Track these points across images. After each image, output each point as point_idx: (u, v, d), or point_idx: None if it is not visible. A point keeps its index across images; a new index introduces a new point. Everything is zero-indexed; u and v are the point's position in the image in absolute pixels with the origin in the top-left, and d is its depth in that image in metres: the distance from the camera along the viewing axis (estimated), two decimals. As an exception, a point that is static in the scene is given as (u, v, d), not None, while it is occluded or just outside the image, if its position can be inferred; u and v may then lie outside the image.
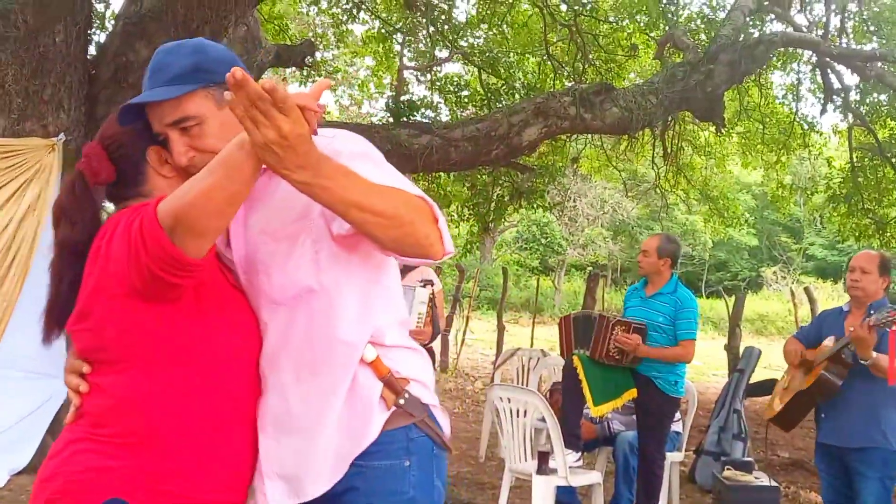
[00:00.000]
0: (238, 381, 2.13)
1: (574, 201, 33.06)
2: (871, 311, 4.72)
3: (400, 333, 2.19)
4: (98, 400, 2.07)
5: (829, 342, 4.93)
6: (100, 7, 10.50)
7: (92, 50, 7.12)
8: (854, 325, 4.65)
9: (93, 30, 7.59)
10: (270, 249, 2.09)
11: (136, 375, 2.04)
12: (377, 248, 1.99)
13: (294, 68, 11.81)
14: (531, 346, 14.44)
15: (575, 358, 6.08)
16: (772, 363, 18.62)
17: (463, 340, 16.54)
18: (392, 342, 2.15)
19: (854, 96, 13.20)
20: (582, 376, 5.96)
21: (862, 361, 4.65)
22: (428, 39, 12.77)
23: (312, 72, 14.41)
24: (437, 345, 14.74)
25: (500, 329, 15.85)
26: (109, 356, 2.06)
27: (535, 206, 12.84)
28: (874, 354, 4.59)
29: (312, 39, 12.33)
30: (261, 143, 1.66)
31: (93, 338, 2.07)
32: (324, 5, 13.68)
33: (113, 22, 8.02)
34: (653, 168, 15.84)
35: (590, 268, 23.77)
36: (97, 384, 2.08)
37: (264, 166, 1.81)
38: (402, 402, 2.11)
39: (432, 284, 5.93)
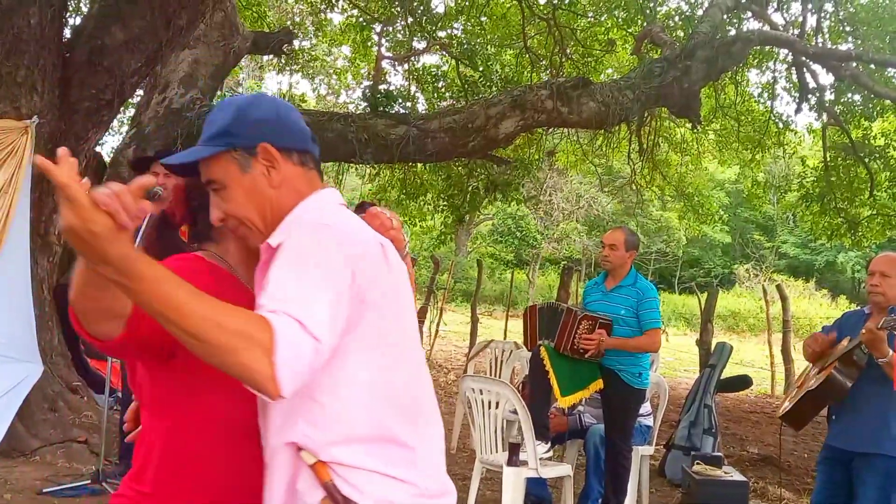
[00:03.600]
0: (234, 447, 2.02)
1: (549, 195, 33.11)
2: (893, 314, 4.65)
3: (360, 454, 1.87)
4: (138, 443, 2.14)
5: (844, 343, 4.87)
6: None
7: (67, 32, 7.06)
8: (867, 326, 4.55)
9: (68, 12, 7.52)
10: None
11: (151, 427, 2.06)
12: None
13: (271, 56, 11.76)
14: (504, 338, 14.48)
15: (542, 349, 6.08)
16: (743, 359, 18.77)
17: (437, 332, 16.56)
18: (337, 460, 1.86)
19: (829, 96, 13.30)
20: (549, 367, 5.96)
21: (878, 361, 4.55)
22: (406, 30, 12.74)
23: (290, 60, 14.36)
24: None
25: (474, 321, 15.89)
26: (142, 402, 2.13)
27: (510, 198, 12.86)
28: (890, 352, 4.48)
29: (290, 27, 12.27)
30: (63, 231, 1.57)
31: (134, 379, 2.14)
32: (302, -7, 13.67)
33: (88, 4, 7.94)
34: (628, 163, 15.90)
35: (564, 262, 23.88)
36: (142, 426, 2.14)
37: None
38: None
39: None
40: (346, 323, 1.80)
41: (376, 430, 1.90)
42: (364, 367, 1.88)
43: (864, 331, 4.54)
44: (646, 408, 6.80)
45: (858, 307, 5.19)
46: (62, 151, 1.55)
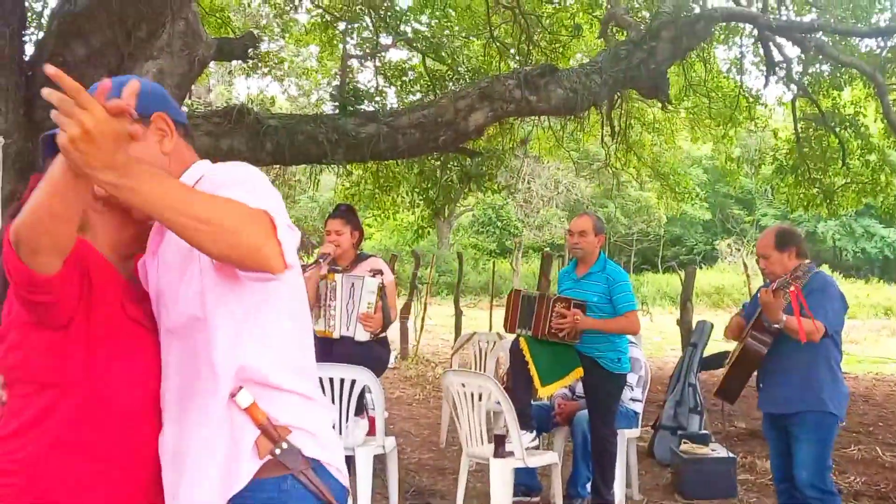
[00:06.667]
0: (134, 414, 2.13)
1: (528, 183, 33.16)
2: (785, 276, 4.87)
3: (292, 379, 2.13)
4: (4, 418, 2.13)
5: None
6: (37, 6, 10.35)
7: (29, 49, 7.01)
8: (761, 291, 4.80)
9: (29, 30, 7.47)
10: (168, 279, 2.11)
11: (34, 400, 2.08)
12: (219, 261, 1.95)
13: (238, 61, 11.72)
14: (490, 329, 14.49)
15: (521, 339, 6.09)
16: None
17: (422, 327, 16.58)
18: (276, 384, 2.09)
19: (796, 68, 13.33)
20: (528, 357, 5.97)
21: (774, 326, 4.77)
22: (371, 26, 12.70)
23: (259, 63, 14.30)
24: (396, 333, 14.79)
25: (458, 314, 15.90)
26: (17, 377, 2.12)
27: (485, 189, 12.87)
28: (783, 317, 4.71)
29: (256, 31, 12.21)
30: (65, 143, 1.66)
31: (5, 358, 2.12)
32: (265, -5, 13.62)
33: (48, 21, 7.89)
34: (602, 147, 15.92)
35: (546, 248, 23.91)
36: (8, 402, 2.13)
37: None
38: (277, 451, 2.05)
39: (381, 274, 5.92)
40: None
41: (300, 358, 2.18)
42: (291, 296, 2.16)
43: (759, 296, 4.78)
44: (635, 393, 6.84)
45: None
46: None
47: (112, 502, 2.11)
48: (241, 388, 2.05)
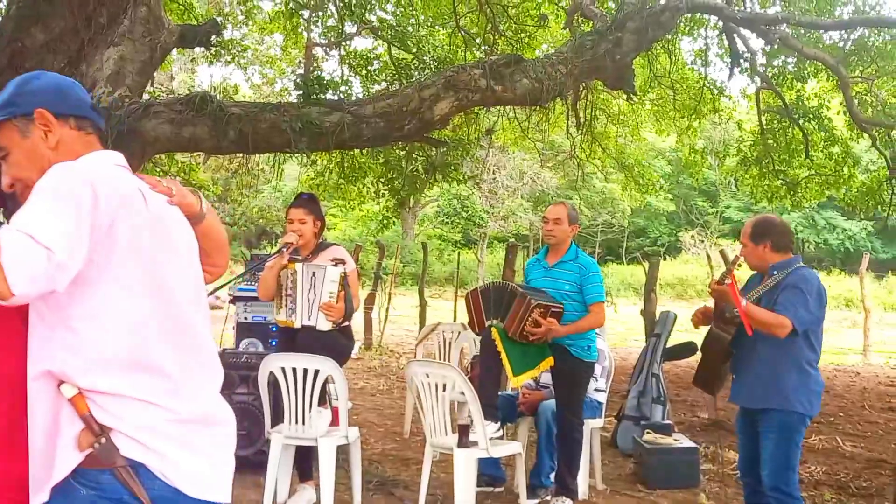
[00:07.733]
0: (16, 399, 2.19)
1: (493, 173, 33.16)
2: (774, 273, 4.88)
3: (115, 381, 2.13)
4: None
5: None
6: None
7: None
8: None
9: (-14, 15, 7.32)
10: None
11: None
12: None
13: (201, 49, 11.59)
14: (454, 319, 14.49)
15: (493, 330, 6.05)
16: (690, 326, 18.97)
17: (387, 317, 16.54)
18: (88, 387, 2.10)
19: (760, 60, 13.40)
20: (500, 348, 5.94)
21: (734, 313, 4.82)
22: (336, 15, 12.60)
23: (221, 51, 14.16)
24: (360, 323, 14.74)
25: (422, 304, 15.89)
26: None
27: (449, 179, 12.83)
28: (743, 301, 4.73)
29: (219, 18, 12.08)
30: None
31: None
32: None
33: (5, 6, 7.74)
34: (568, 138, 15.92)
35: (511, 239, 23.93)
36: None
37: None
38: (96, 445, 2.08)
39: (344, 263, 5.87)
40: (90, 245, 2.02)
41: (134, 358, 2.15)
42: (122, 298, 2.13)
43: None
44: (599, 384, 6.85)
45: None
46: None
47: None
48: (62, 381, 2.10)
